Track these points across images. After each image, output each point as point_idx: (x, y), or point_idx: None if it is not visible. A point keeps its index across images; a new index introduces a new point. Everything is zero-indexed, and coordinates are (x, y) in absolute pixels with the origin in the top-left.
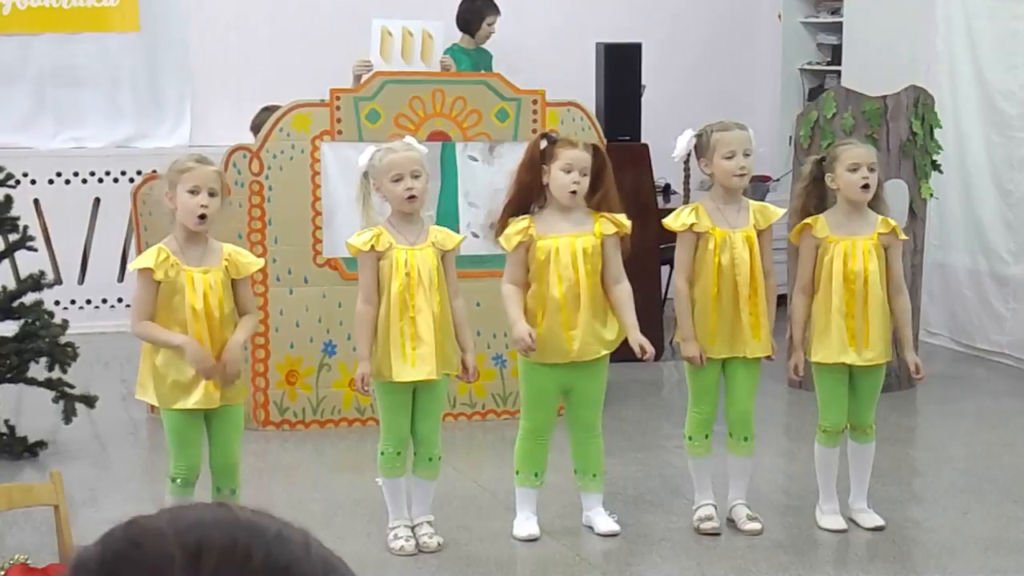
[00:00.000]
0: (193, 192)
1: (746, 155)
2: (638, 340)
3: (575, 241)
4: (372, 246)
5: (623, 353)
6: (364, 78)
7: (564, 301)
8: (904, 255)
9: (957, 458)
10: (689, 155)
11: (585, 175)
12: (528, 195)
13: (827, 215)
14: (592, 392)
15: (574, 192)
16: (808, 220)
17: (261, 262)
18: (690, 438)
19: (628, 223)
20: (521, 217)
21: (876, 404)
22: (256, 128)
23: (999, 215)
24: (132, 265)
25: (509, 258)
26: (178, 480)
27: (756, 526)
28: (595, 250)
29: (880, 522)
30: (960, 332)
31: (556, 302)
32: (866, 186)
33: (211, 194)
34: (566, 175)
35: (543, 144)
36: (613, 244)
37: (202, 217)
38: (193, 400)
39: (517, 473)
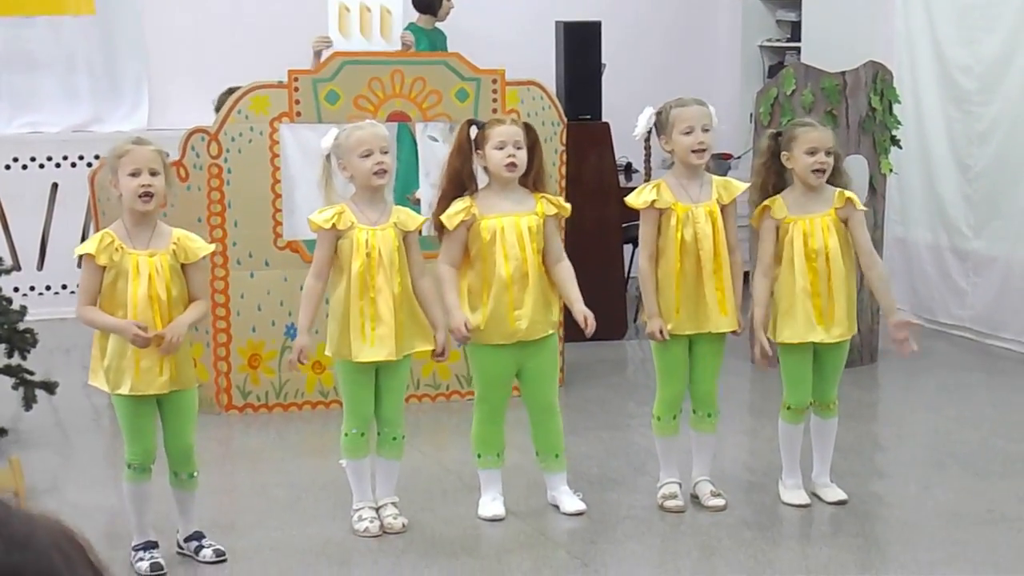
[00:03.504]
0: (134, 174)
1: (704, 131)
2: (582, 311)
3: (519, 220)
4: (334, 224)
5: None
6: (324, 55)
7: (511, 280)
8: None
9: (919, 432)
10: (650, 133)
11: (520, 148)
12: (460, 182)
13: (784, 195)
14: (544, 370)
15: (511, 165)
16: (766, 202)
17: (211, 247)
18: (658, 418)
19: (568, 205)
20: (462, 197)
21: (839, 380)
22: (220, 109)
23: (959, 190)
24: (76, 251)
25: (448, 237)
26: (133, 466)
27: (720, 502)
28: (539, 228)
29: (843, 496)
30: (921, 307)
31: (503, 281)
32: (820, 171)
33: (152, 173)
34: (500, 151)
35: (473, 131)
36: (554, 225)
37: (146, 196)
38: (133, 384)
39: (479, 456)
